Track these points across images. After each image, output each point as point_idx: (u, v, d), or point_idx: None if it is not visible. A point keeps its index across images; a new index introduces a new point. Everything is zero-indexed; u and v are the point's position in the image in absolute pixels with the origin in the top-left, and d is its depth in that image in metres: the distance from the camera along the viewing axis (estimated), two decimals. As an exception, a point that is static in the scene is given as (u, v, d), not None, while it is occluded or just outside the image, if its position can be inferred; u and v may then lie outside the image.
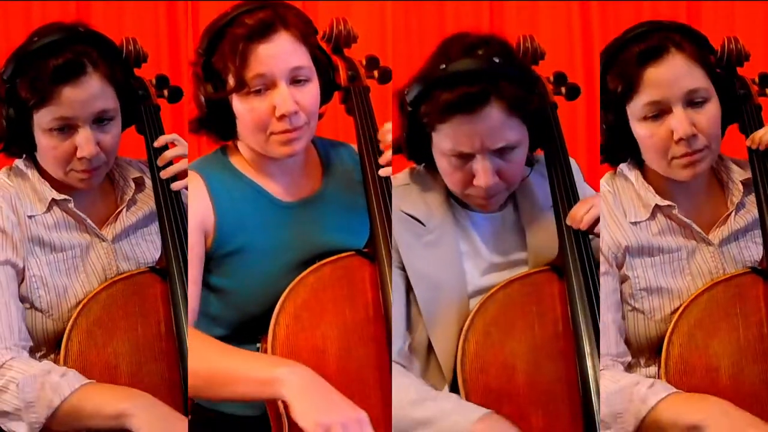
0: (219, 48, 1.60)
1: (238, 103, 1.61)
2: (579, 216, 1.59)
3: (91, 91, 1.57)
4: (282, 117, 1.58)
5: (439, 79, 1.53)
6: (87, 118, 1.58)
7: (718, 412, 1.48)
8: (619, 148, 1.65)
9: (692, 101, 1.57)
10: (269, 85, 1.59)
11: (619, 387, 1.53)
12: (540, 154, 1.69)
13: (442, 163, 1.60)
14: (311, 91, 1.62)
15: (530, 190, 1.69)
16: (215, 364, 1.51)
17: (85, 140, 1.58)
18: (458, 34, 1.62)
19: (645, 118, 1.58)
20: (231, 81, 1.59)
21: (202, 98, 1.63)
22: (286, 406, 1.50)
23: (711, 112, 1.59)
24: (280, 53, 1.58)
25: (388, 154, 1.63)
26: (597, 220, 1.59)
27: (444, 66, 1.53)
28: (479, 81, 1.51)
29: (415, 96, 1.55)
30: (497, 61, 1.53)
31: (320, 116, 1.69)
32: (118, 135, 1.64)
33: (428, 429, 1.51)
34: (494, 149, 1.55)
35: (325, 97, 1.69)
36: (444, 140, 1.56)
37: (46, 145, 1.59)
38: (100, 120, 1.60)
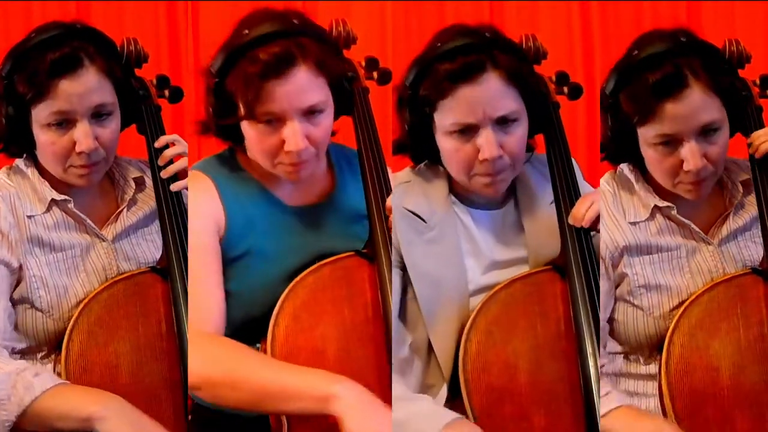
0: (232, 75, 1.56)
1: (247, 127, 1.59)
2: (581, 214, 1.59)
3: (88, 85, 1.57)
4: (290, 152, 1.57)
5: (436, 56, 1.56)
6: (85, 112, 1.58)
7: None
8: (621, 149, 1.65)
9: (706, 131, 1.57)
10: (280, 120, 1.56)
11: None
12: (541, 153, 1.69)
13: (445, 145, 1.60)
14: (324, 124, 1.59)
15: (530, 187, 1.69)
16: (267, 379, 1.49)
17: (83, 134, 1.58)
18: (449, 25, 1.64)
19: (656, 145, 1.58)
20: (241, 109, 1.56)
21: (213, 115, 1.61)
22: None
23: (723, 139, 1.59)
24: (293, 92, 1.54)
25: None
26: (599, 217, 1.60)
27: (440, 44, 1.57)
28: (475, 52, 1.55)
29: (414, 77, 1.58)
30: (488, 35, 1.58)
31: (333, 133, 1.67)
32: (117, 131, 1.64)
33: (400, 430, 1.51)
34: (496, 118, 1.56)
35: (340, 110, 1.65)
36: (446, 116, 1.57)
37: (45, 140, 1.59)
38: (98, 114, 1.60)
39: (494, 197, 1.66)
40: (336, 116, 1.65)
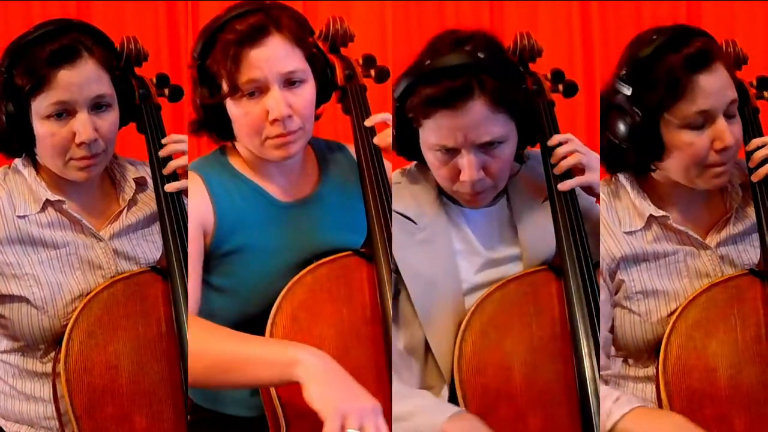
0: (212, 53, 1.60)
1: (232, 107, 1.61)
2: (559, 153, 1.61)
3: (87, 75, 1.59)
4: (275, 121, 1.59)
5: (423, 74, 1.54)
6: (84, 102, 1.59)
7: (673, 427, 1.50)
8: (640, 152, 1.59)
9: (730, 114, 1.56)
10: (262, 89, 1.59)
11: None
12: (531, 150, 1.69)
13: (430, 158, 1.60)
14: (305, 94, 1.62)
15: (522, 185, 1.69)
16: (232, 349, 1.49)
17: (82, 125, 1.58)
18: (447, 31, 1.63)
19: (687, 126, 1.55)
20: (225, 86, 1.59)
21: (199, 101, 1.64)
22: (284, 406, 1.51)
23: (740, 124, 1.58)
24: (272, 57, 1.58)
25: (376, 117, 1.64)
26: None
27: (429, 62, 1.54)
28: (462, 75, 1.52)
29: (401, 91, 1.57)
30: (481, 56, 1.54)
31: (318, 117, 1.69)
32: (116, 123, 1.64)
33: (404, 424, 1.51)
34: (479, 144, 1.55)
35: (323, 98, 1.69)
36: (429, 135, 1.57)
37: (45, 133, 1.59)
38: (97, 106, 1.60)
39: (475, 207, 1.66)
40: (318, 104, 1.67)
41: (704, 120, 1.55)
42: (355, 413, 1.40)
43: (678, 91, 1.54)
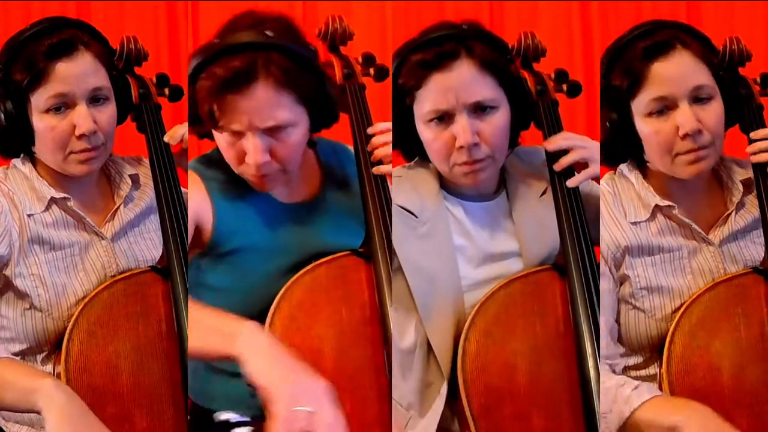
0: (198, 82, 1.53)
1: (216, 133, 1.58)
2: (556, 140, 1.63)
3: (85, 67, 1.60)
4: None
5: (413, 47, 1.59)
6: (83, 95, 1.59)
7: (697, 415, 1.49)
8: (621, 147, 1.64)
9: (697, 98, 1.58)
10: (241, 133, 1.54)
11: (604, 388, 1.53)
12: (528, 147, 1.70)
13: (425, 135, 1.61)
14: (290, 141, 1.56)
15: (518, 179, 1.69)
16: None
17: (82, 117, 1.59)
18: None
19: (650, 114, 1.58)
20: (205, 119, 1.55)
21: (188, 116, 1.62)
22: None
23: (716, 109, 1.59)
24: (254, 108, 1.50)
25: (380, 151, 1.62)
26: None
27: (418, 37, 1.60)
28: (449, 41, 1.58)
29: (394, 69, 1.61)
30: (465, 27, 1.61)
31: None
32: (114, 117, 1.65)
33: None
34: (471, 104, 1.57)
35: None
36: (423, 105, 1.59)
37: (45, 127, 1.60)
38: (95, 99, 1.61)
39: (475, 187, 1.66)
40: (316, 129, 1.63)
41: (665, 106, 1.57)
42: None
43: (636, 81, 1.58)
